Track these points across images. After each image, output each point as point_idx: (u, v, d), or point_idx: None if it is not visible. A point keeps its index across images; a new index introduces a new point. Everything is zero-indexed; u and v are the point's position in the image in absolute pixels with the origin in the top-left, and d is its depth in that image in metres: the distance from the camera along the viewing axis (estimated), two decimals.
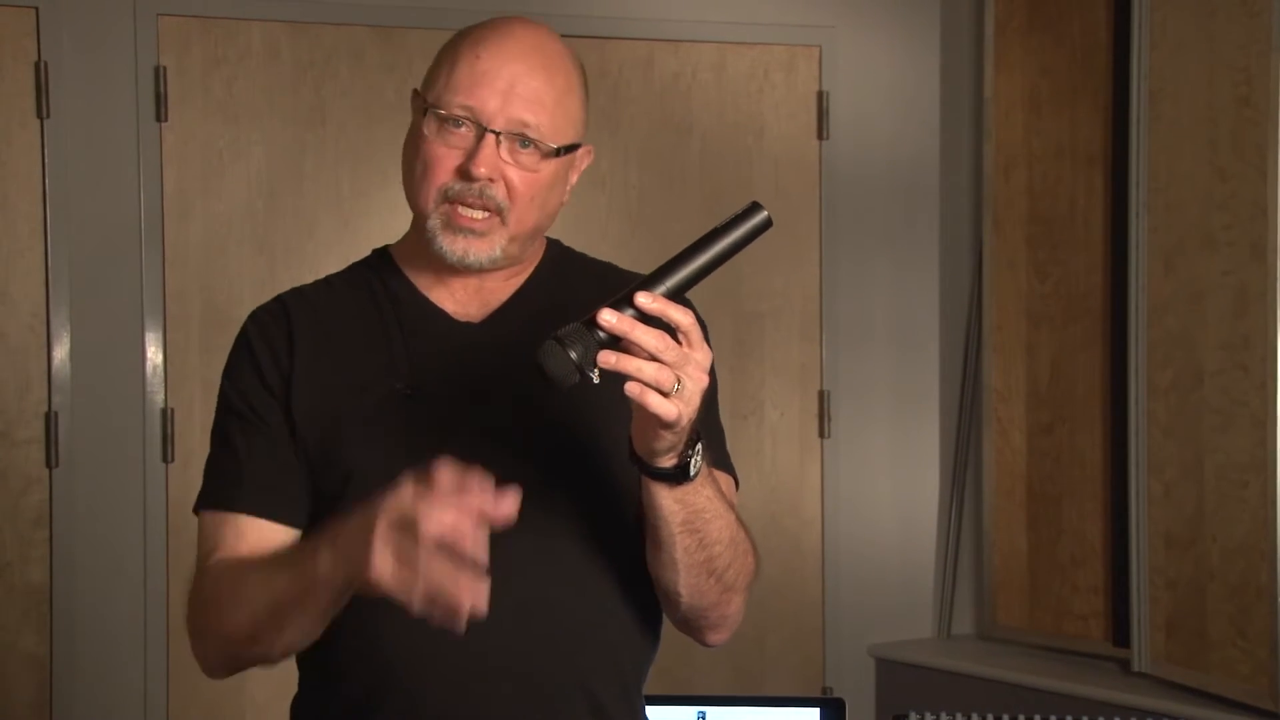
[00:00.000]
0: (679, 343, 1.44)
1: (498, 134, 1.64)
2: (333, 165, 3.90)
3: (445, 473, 1.38)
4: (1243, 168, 3.44)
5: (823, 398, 4.33)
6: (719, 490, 1.59)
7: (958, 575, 4.43)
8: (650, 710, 2.21)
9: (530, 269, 1.77)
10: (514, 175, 1.65)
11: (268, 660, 1.63)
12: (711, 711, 2.24)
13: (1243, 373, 3.45)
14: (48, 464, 3.72)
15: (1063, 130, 4.08)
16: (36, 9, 3.69)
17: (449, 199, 1.65)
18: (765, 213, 1.51)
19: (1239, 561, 3.47)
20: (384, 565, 1.37)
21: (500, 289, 1.74)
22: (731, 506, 1.64)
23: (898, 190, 4.42)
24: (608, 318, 1.41)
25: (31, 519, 3.71)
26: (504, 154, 1.64)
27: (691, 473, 1.52)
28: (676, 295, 1.46)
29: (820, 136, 4.30)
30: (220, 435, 1.73)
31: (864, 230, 4.37)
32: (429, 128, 1.66)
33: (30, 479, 3.71)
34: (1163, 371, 3.68)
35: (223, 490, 1.70)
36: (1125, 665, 3.83)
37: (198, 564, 1.70)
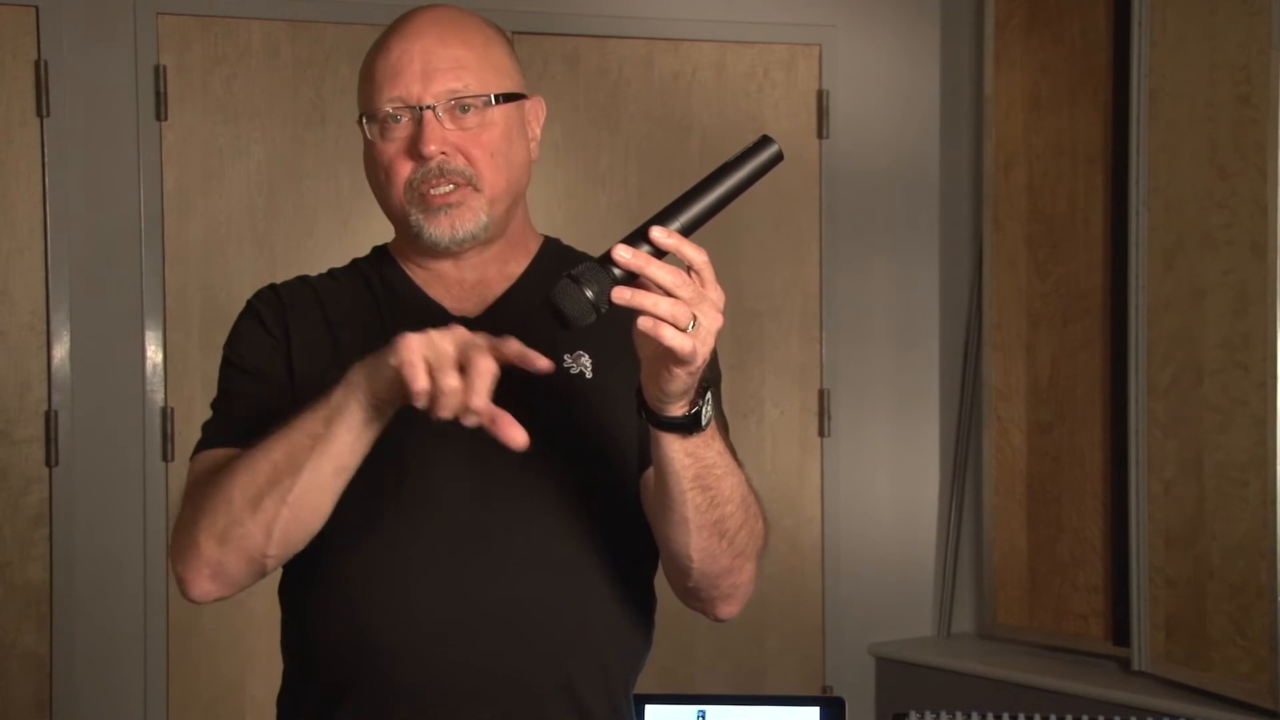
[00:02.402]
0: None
1: (433, 108, 1.65)
2: (333, 165, 3.90)
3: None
4: (1243, 166, 3.44)
5: (823, 396, 4.33)
6: (729, 447, 1.57)
7: (958, 574, 4.43)
8: (650, 709, 2.21)
9: (526, 263, 1.77)
10: (465, 141, 1.66)
11: (266, 542, 1.54)
12: (711, 711, 2.24)
13: (1242, 372, 3.45)
14: (47, 463, 3.72)
15: (1063, 128, 4.08)
16: (36, 8, 3.69)
17: (415, 189, 1.66)
18: (776, 146, 1.46)
19: (1239, 560, 3.47)
20: (415, 343, 1.41)
21: (495, 282, 1.74)
22: (741, 466, 1.61)
23: (898, 189, 4.42)
24: (622, 254, 1.39)
25: (31, 518, 3.70)
26: (448, 125, 1.65)
27: (703, 422, 1.49)
28: (689, 232, 1.43)
29: (820, 136, 4.30)
30: (222, 389, 1.73)
31: (864, 229, 4.37)
32: (372, 134, 1.69)
33: (30, 478, 3.71)
34: (1162, 370, 3.68)
35: (224, 431, 1.68)
36: (1125, 664, 3.83)
37: (187, 489, 1.64)
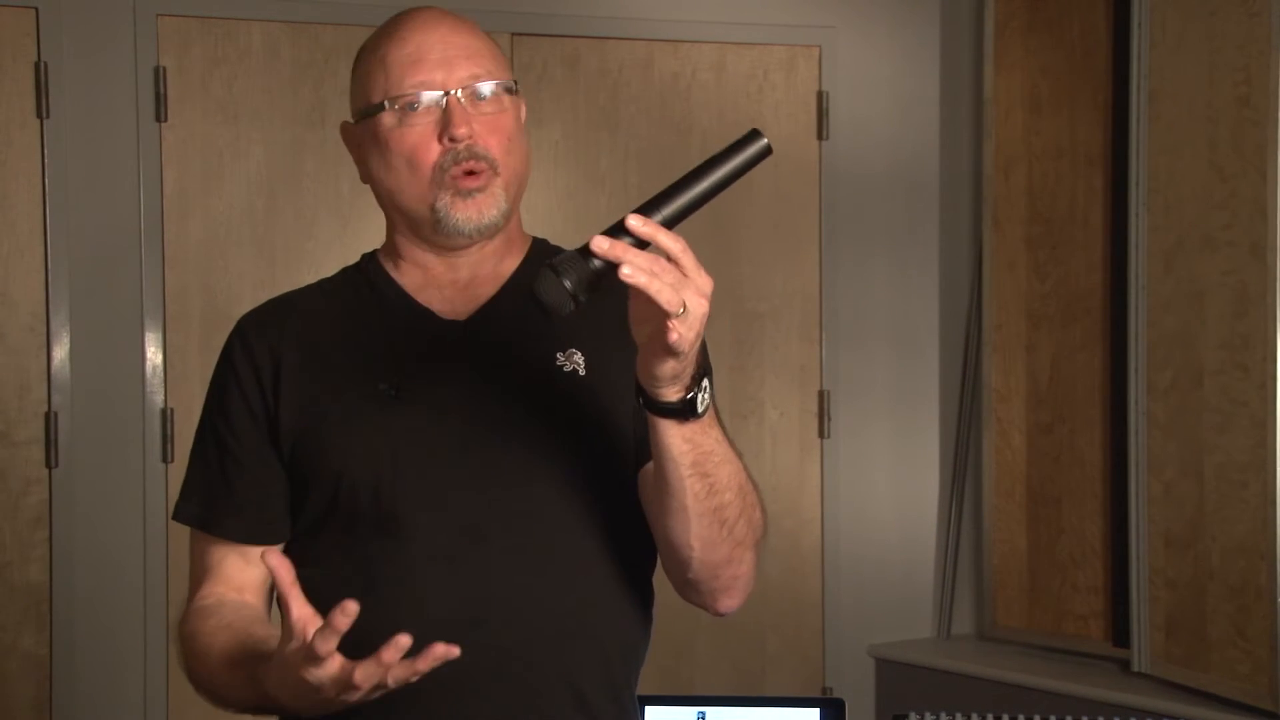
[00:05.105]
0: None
1: (457, 93, 1.67)
2: (333, 165, 3.90)
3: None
4: (1243, 167, 3.44)
5: (822, 398, 4.33)
6: (727, 435, 1.58)
7: (958, 575, 4.43)
8: (650, 710, 2.21)
9: (517, 262, 1.77)
10: (485, 127, 1.68)
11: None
12: (711, 711, 2.24)
13: (1243, 373, 3.45)
14: (47, 464, 3.72)
15: (1062, 130, 4.09)
16: (36, 9, 3.69)
17: (446, 171, 1.67)
18: (764, 140, 1.46)
19: (1239, 561, 3.47)
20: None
21: (486, 283, 1.74)
22: (740, 455, 1.62)
23: (898, 190, 4.42)
24: (601, 244, 1.39)
25: (31, 519, 3.71)
26: (469, 110, 1.67)
27: (699, 408, 1.49)
28: (673, 224, 1.44)
29: (820, 136, 4.30)
30: (202, 448, 1.76)
31: (864, 230, 4.37)
32: (388, 122, 1.68)
33: (30, 479, 3.71)
34: (1162, 371, 3.68)
35: (205, 511, 1.74)
36: (1125, 665, 3.83)
37: (190, 588, 1.76)
